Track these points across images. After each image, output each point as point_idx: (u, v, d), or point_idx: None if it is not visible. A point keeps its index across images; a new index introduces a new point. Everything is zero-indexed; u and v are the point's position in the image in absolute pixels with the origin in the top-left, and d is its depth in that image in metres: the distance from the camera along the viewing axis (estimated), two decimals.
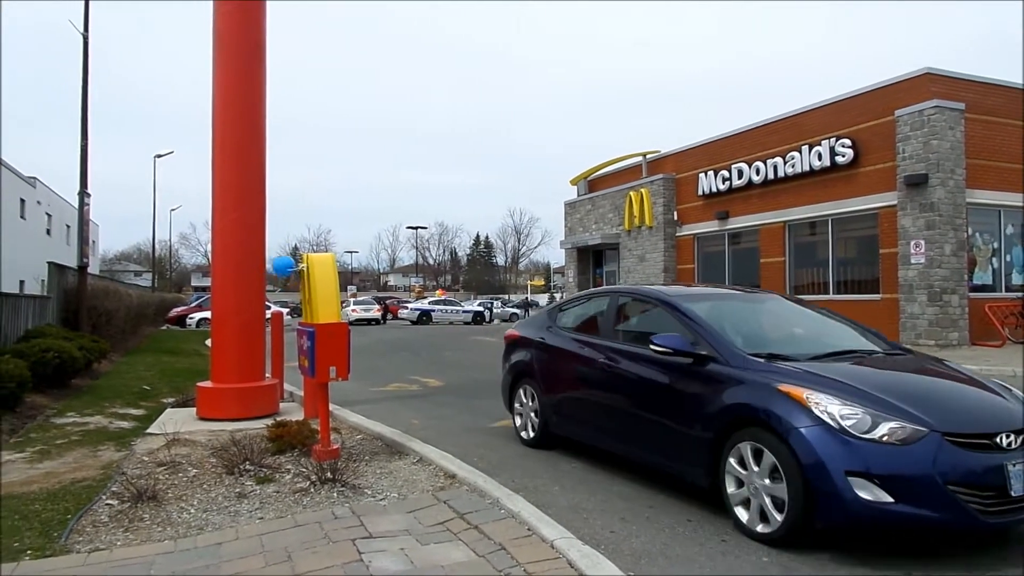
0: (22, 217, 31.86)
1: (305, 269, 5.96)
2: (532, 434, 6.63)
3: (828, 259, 18.73)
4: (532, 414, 6.63)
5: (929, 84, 16.01)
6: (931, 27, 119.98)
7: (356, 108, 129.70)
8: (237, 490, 5.14)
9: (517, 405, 6.95)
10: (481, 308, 43.66)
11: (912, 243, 16.00)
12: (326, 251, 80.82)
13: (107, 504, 4.83)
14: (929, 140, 15.68)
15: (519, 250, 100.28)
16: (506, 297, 76.05)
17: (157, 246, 55.48)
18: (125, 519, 4.53)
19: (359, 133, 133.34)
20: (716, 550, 4.08)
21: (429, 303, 43.35)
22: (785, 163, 19.44)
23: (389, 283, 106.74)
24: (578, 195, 29.63)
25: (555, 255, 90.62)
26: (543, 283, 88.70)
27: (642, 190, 24.85)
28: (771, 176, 19.92)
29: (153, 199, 44.56)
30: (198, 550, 4.00)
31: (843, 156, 17.75)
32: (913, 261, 15.97)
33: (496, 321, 43.71)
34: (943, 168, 15.65)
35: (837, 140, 17.89)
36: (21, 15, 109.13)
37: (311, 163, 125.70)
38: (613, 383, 5.51)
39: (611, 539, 4.22)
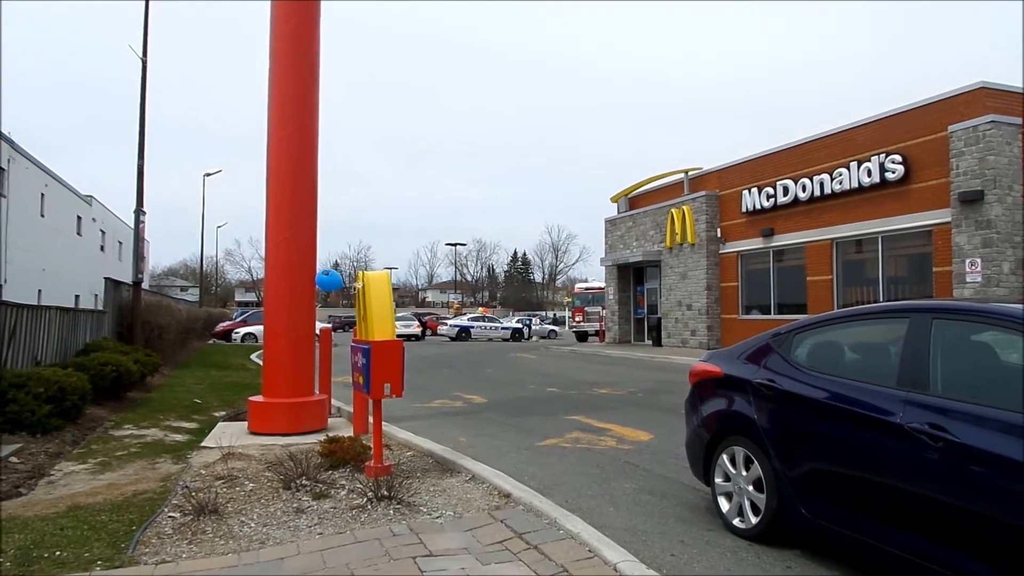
0: (78, 234, 33.01)
1: (361, 287, 6.03)
2: (754, 520, 4.48)
3: (878, 278, 18.28)
4: (751, 487, 4.53)
5: (984, 99, 15.60)
6: (985, 34, 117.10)
7: (395, 125, 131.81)
8: (295, 505, 5.19)
9: (720, 478, 4.85)
10: (520, 325, 43.66)
11: (967, 261, 15.53)
12: (366, 267, 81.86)
13: (170, 516, 4.92)
14: (985, 156, 15.26)
15: (556, 267, 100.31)
16: (543, 314, 76.03)
17: (202, 262, 56.77)
18: (188, 532, 4.61)
19: (398, 149, 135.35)
20: None
21: (468, 319, 43.49)
22: (832, 179, 19.10)
23: (427, 299, 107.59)
24: (618, 212, 29.53)
25: (592, 272, 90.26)
26: None
27: (684, 207, 24.65)
28: (817, 193, 19.59)
29: (202, 217, 45.95)
30: (261, 564, 4.05)
31: (893, 172, 17.37)
32: (969, 280, 15.49)
33: (535, 338, 43.63)
34: (1000, 184, 15.19)
35: (887, 156, 17.52)
36: (80, 39, 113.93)
37: (351, 179, 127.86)
38: (950, 467, 3.35)
39: (672, 563, 4.14)
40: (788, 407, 4.39)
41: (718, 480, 4.89)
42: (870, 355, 4.39)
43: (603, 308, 33.15)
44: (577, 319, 37.42)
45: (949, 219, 16.11)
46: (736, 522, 4.66)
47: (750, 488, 4.55)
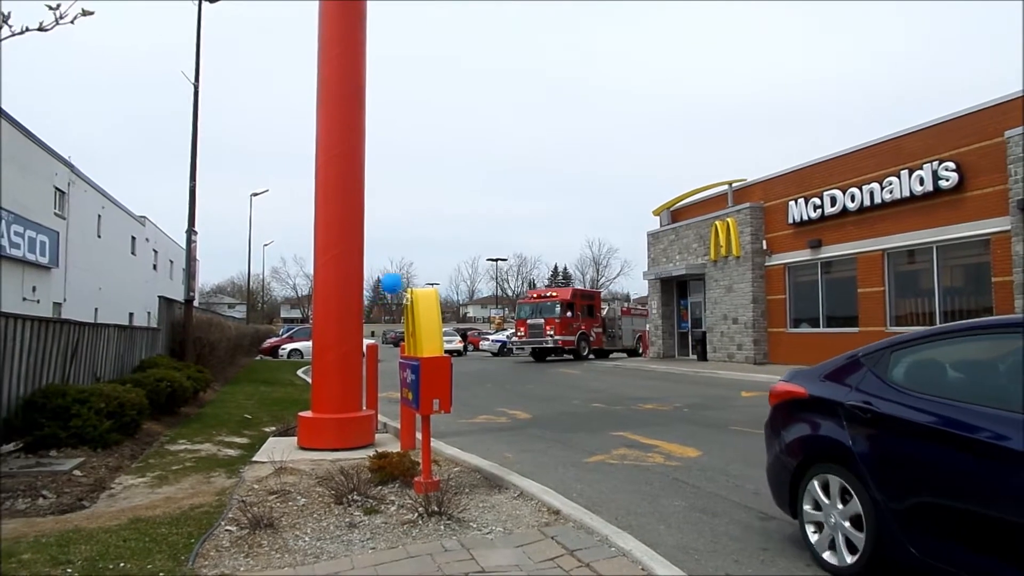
0: (132, 253, 34.15)
1: (410, 303, 6.11)
2: (852, 559, 4.03)
3: (933, 288, 17.72)
4: (848, 524, 4.07)
5: None
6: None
7: (438, 141, 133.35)
8: (347, 520, 5.25)
9: (810, 505, 4.43)
10: None
11: None
12: (409, 283, 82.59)
13: (227, 530, 5.03)
14: None
15: (598, 281, 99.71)
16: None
17: (249, 279, 58.21)
18: (245, 545, 4.70)
19: (438, 164, 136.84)
20: None
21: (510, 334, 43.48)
22: (882, 189, 18.63)
23: (468, 314, 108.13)
24: (661, 225, 29.29)
25: (634, 286, 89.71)
26: None
27: (728, 219, 24.33)
28: (867, 203, 19.12)
29: (249, 236, 47.01)
30: None
31: (947, 180, 16.87)
32: None
33: None
34: None
35: (940, 163, 17.04)
36: (136, 65, 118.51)
37: (391, 194, 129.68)
38: None
39: None
40: (889, 432, 3.95)
41: (807, 508, 4.44)
42: (980, 374, 3.95)
43: (547, 322, 29.44)
44: (520, 333, 31.17)
45: (1008, 227, 15.54)
46: (827, 556, 4.22)
47: (846, 523, 4.08)
